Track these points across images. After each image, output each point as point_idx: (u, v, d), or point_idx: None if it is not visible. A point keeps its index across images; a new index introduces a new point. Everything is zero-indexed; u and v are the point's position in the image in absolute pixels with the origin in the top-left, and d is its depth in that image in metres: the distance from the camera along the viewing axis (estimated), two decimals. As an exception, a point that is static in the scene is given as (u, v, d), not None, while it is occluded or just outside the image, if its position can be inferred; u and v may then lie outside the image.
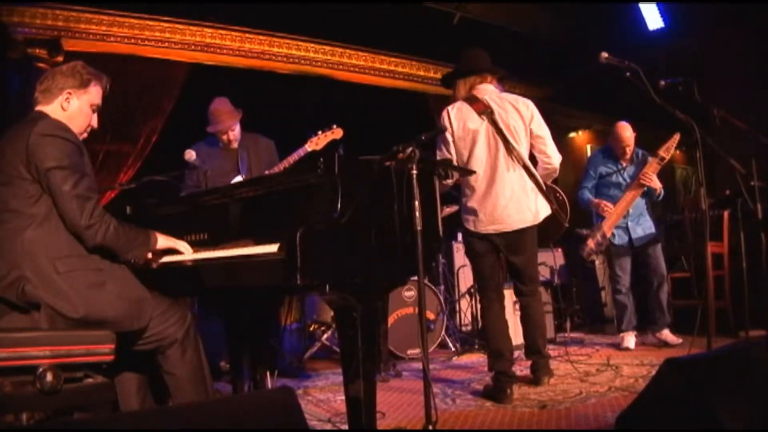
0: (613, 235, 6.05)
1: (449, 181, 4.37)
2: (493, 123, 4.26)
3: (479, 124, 4.27)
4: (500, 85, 4.52)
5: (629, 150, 6.13)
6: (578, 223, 5.81)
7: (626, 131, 6.08)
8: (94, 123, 3.19)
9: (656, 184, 5.91)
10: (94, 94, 3.14)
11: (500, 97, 4.39)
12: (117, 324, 2.85)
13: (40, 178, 2.82)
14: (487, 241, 4.36)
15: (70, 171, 2.84)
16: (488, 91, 4.38)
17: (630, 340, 6.06)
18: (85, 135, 3.17)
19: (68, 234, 2.87)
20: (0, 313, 2.80)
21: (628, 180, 6.12)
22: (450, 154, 4.35)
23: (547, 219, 4.39)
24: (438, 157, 4.35)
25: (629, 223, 6.08)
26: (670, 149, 5.78)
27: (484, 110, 4.28)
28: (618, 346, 6.09)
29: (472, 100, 4.34)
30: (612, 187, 6.21)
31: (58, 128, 2.91)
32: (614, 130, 6.17)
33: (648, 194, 6.09)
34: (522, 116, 4.33)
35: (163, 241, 3.12)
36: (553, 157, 4.43)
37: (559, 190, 4.68)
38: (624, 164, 6.19)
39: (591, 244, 5.97)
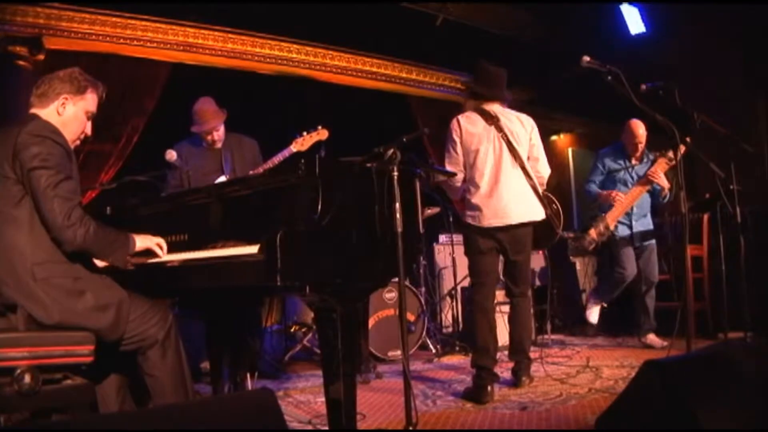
0: (615, 227, 6.06)
1: (458, 178, 4.60)
2: (499, 128, 4.54)
3: (486, 128, 4.56)
4: (505, 103, 4.80)
5: (641, 147, 6.17)
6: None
7: (640, 128, 6.12)
8: (88, 130, 3.19)
9: (664, 182, 5.95)
10: (90, 101, 3.14)
11: (504, 111, 4.68)
12: (92, 333, 2.83)
13: (23, 178, 2.80)
14: (489, 238, 4.51)
15: (54, 171, 2.81)
16: (494, 108, 4.65)
17: (597, 312, 6.07)
18: (78, 142, 3.16)
19: (49, 240, 2.85)
20: None
21: (636, 178, 6.16)
22: (457, 154, 4.57)
23: (540, 226, 4.58)
24: (446, 158, 4.65)
25: (633, 221, 6.12)
26: (678, 153, 5.81)
27: (492, 117, 4.57)
28: (586, 324, 6.17)
29: (481, 111, 4.62)
30: (618, 183, 6.23)
31: (49, 130, 2.90)
32: (628, 127, 6.19)
33: (654, 195, 6.14)
34: (524, 125, 4.66)
35: (140, 242, 3.10)
36: (543, 168, 4.71)
37: (554, 199, 4.78)
38: (633, 162, 6.22)
39: (593, 233, 5.96)
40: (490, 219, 4.45)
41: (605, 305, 6.22)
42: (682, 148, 5.64)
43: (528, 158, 4.63)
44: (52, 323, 2.73)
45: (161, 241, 3.19)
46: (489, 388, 4.24)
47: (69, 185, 2.86)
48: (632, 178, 6.19)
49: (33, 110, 3.04)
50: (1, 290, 2.73)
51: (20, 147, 2.79)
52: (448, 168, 4.59)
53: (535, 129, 4.72)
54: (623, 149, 6.30)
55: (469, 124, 4.58)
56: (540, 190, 4.61)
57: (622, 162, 6.26)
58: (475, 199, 4.51)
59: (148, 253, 3.15)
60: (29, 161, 2.79)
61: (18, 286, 2.74)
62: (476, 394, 4.26)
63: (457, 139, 4.57)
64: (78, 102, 3.09)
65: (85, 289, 2.86)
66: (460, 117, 4.65)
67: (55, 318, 2.74)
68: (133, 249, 3.06)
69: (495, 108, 4.63)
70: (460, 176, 4.61)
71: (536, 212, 4.54)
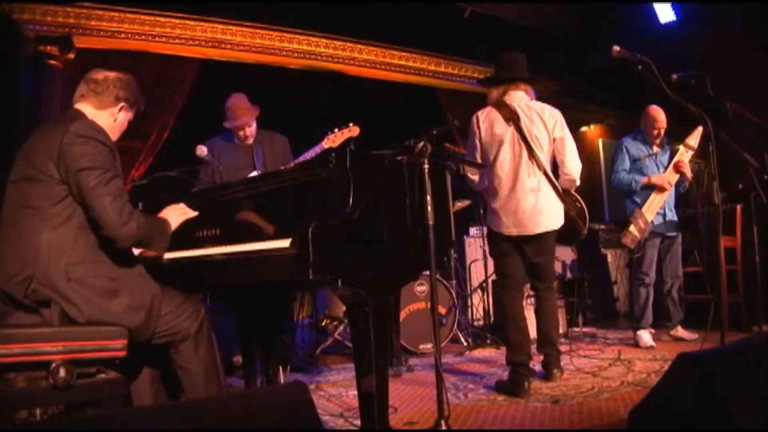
0: (652, 221, 5.94)
1: (474, 178, 4.58)
2: (518, 129, 4.38)
3: (505, 130, 4.41)
4: (533, 92, 4.62)
5: (663, 132, 6.06)
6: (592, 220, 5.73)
7: (660, 114, 6.02)
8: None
9: (689, 172, 5.87)
10: (133, 114, 3.24)
11: (528, 105, 4.49)
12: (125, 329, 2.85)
13: (69, 179, 2.81)
14: (510, 242, 4.46)
15: (102, 171, 2.83)
16: (518, 97, 4.48)
17: (649, 337, 5.95)
18: None
19: (86, 240, 2.87)
20: (7, 311, 2.79)
21: (662, 167, 6.04)
22: (476, 158, 4.48)
23: (566, 225, 4.49)
24: (466, 156, 4.57)
25: (666, 210, 6.01)
26: (696, 138, 5.73)
27: (511, 116, 4.39)
28: (636, 345, 5.92)
29: (501, 106, 4.46)
30: (646, 171, 6.07)
31: (94, 130, 2.91)
32: (648, 113, 6.08)
33: (676, 185, 6.03)
34: (546, 125, 4.44)
35: (173, 220, 3.19)
36: (572, 167, 4.52)
37: (578, 198, 4.72)
38: (655, 149, 6.12)
39: (635, 231, 5.82)
40: (509, 227, 4.40)
41: (650, 329, 6.06)
42: (700, 131, 5.57)
43: (554, 157, 4.53)
44: (84, 321, 2.76)
45: (182, 205, 3.28)
46: (526, 384, 4.22)
47: (117, 183, 2.89)
48: (658, 166, 6.08)
49: (81, 105, 3.07)
50: (36, 288, 2.75)
51: (66, 148, 2.80)
52: (467, 170, 4.57)
53: (560, 122, 4.52)
54: (644, 136, 6.19)
55: (487, 124, 4.47)
56: (561, 193, 4.47)
57: (644, 149, 6.13)
58: (495, 204, 4.45)
59: (181, 247, 3.17)
60: (77, 162, 2.80)
61: (51, 284, 2.76)
62: (513, 388, 4.26)
63: (477, 143, 4.50)
64: (129, 112, 3.19)
65: (120, 289, 2.87)
66: (479, 113, 4.55)
67: (87, 317, 2.76)
68: (171, 230, 3.13)
69: (519, 99, 4.47)
70: (474, 179, 4.60)
71: (554, 221, 4.42)
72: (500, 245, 4.51)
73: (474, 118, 4.53)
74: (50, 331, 2.66)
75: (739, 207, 6.65)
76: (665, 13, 8.55)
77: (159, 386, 3.25)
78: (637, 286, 6.04)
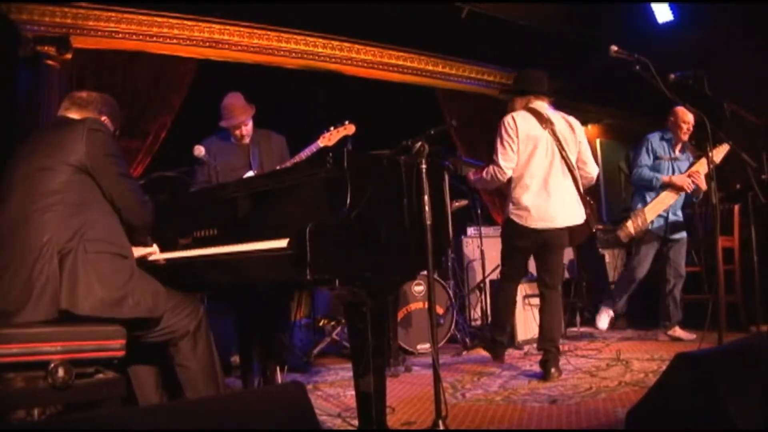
0: (652, 222, 5.98)
1: (506, 176, 4.80)
2: (553, 133, 4.74)
3: (541, 132, 4.73)
4: (551, 105, 4.96)
5: (688, 133, 6.07)
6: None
7: (687, 115, 6.00)
8: None
9: (703, 184, 5.88)
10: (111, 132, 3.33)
11: (555, 113, 4.85)
12: (132, 310, 2.85)
13: (94, 166, 2.94)
14: (529, 237, 4.75)
15: (119, 159, 3.07)
16: (544, 107, 4.81)
17: (607, 320, 6.07)
18: None
19: (104, 222, 2.95)
20: (20, 305, 2.76)
21: (678, 173, 6.05)
22: (514, 153, 4.74)
23: (577, 225, 4.80)
24: (500, 154, 4.77)
25: (669, 214, 6.04)
26: (721, 155, 5.69)
27: (546, 121, 4.75)
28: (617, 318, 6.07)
29: (534, 112, 4.75)
30: (663, 173, 6.08)
31: (103, 124, 3.10)
32: (677, 113, 6.07)
33: (689, 192, 6.04)
34: (573, 131, 4.87)
35: None
36: (593, 168, 4.97)
37: (590, 200, 4.97)
38: (677, 153, 6.15)
39: (631, 227, 5.87)
40: (537, 221, 4.66)
41: (613, 314, 6.20)
42: (726, 149, 5.55)
43: (577, 161, 4.83)
44: (99, 296, 2.77)
45: None
46: (502, 357, 5.31)
47: (129, 170, 3.00)
48: (674, 171, 6.08)
49: (72, 114, 3.16)
50: (62, 261, 2.76)
51: (89, 137, 2.94)
52: (502, 163, 4.74)
53: (583, 131, 4.93)
54: (671, 137, 6.18)
55: (526, 126, 4.71)
56: (583, 193, 4.83)
57: (667, 149, 6.15)
58: (525, 200, 4.69)
59: (178, 247, 3.19)
60: (102, 149, 2.97)
61: (74, 259, 2.77)
62: (493, 355, 5.35)
63: (515, 138, 4.70)
64: (109, 126, 3.25)
65: (130, 267, 2.96)
66: (515, 115, 4.75)
67: (99, 294, 2.77)
68: None
69: (545, 109, 4.78)
70: (508, 174, 4.77)
71: (578, 217, 4.77)
72: (517, 240, 4.83)
73: (510, 119, 4.75)
74: (49, 331, 2.66)
75: (736, 207, 6.65)
76: (663, 13, 8.54)
77: (162, 390, 3.28)
78: (626, 273, 6.19)
